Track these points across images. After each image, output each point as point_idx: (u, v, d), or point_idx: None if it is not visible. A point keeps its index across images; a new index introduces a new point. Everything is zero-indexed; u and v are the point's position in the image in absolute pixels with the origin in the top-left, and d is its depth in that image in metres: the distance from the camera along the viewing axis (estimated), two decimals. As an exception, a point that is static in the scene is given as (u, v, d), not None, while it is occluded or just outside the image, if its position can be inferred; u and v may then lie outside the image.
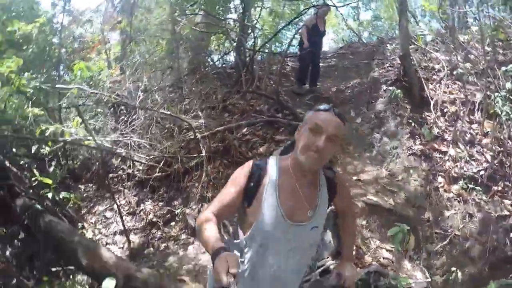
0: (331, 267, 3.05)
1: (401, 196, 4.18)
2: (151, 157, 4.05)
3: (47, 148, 4.18)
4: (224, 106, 4.83)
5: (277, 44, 7.35)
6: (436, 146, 4.63)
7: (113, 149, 3.90)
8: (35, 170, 3.87)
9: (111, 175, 4.81)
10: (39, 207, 3.65)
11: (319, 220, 1.81)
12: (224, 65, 6.35)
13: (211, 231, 1.57)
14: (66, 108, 4.42)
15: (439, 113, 4.91)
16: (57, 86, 4.21)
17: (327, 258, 3.24)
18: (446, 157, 4.53)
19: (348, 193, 2.04)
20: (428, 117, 4.91)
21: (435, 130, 4.76)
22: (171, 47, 5.15)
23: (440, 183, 4.31)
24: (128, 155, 4.08)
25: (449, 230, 3.95)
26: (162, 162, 4.22)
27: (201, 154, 4.11)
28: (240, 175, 1.76)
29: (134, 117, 4.42)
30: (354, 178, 4.43)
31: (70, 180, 4.97)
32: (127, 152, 4.00)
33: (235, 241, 1.84)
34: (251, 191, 1.73)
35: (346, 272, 2.02)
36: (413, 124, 4.90)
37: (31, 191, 3.82)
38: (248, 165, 1.79)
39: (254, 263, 1.78)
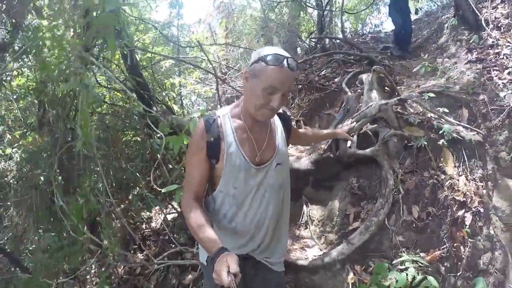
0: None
1: (455, 88, 4.54)
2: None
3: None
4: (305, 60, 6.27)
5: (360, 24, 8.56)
6: (490, 51, 5.17)
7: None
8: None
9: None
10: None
11: (282, 157, 1.91)
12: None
13: (204, 228, 1.60)
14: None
15: (491, 26, 5.46)
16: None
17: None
18: (501, 56, 4.99)
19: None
20: (483, 33, 5.49)
21: (490, 40, 5.32)
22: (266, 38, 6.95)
23: (495, 73, 4.72)
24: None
25: (505, 105, 4.08)
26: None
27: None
28: (196, 138, 1.77)
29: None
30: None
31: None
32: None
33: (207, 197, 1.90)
34: (214, 146, 1.75)
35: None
36: (470, 42, 5.52)
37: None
38: (200, 124, 1.79)
39: (231, 217, 1.83)
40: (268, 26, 6.77)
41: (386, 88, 4.32)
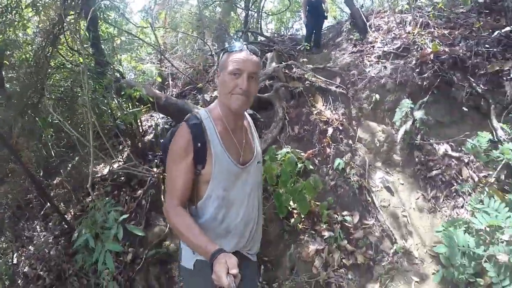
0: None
1: (336, 67, 6.24)
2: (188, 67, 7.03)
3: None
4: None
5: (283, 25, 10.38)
6: (368, 45, 6.84)
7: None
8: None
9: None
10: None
11: (259, 156, 2.00)
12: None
13: (196, 232, 1.58)
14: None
15: (373, 29, 7.22)
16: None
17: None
18: (375, 48, 6.55)
19: None
20: (367, 34, 7.21)
21: (370, 39, 7.02)
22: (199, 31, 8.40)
23: (366, 58, 6.30)
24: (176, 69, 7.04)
25: (368, 76, 5.62)
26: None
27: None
28: (183, 144, 1.71)
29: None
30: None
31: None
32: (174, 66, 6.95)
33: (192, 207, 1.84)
34: (201, 152, 1.71)
35: None
36: (356, 40, 7.25)
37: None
38: (185, 130, 1.73)
39: (222, 218, 1.82)
40: (202, 21, 8.19)
41: (282, 62, 5.87)
